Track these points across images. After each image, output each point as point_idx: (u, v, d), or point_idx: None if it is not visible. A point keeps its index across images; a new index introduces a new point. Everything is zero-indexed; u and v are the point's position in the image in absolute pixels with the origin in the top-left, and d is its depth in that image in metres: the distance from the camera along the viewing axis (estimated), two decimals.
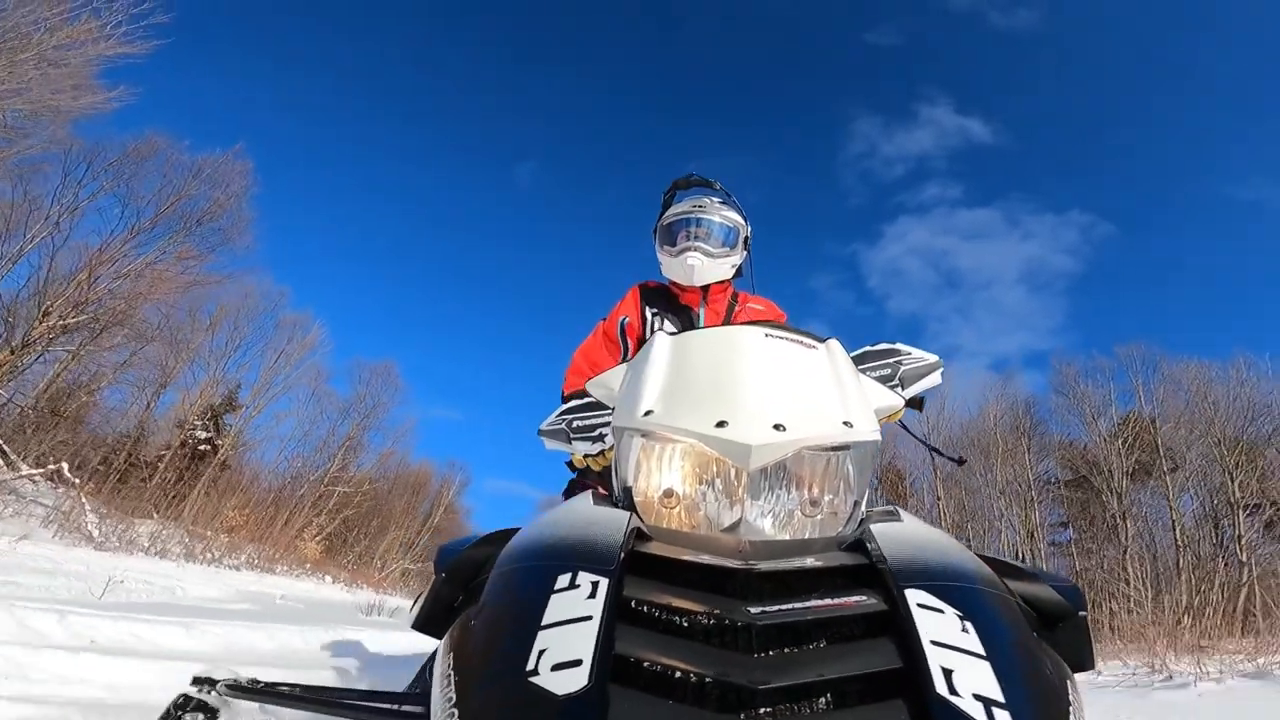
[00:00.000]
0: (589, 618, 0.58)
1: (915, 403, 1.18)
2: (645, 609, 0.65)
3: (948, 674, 0.55)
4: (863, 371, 1.06)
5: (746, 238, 2.11)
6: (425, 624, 0.77)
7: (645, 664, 0.58)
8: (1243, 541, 16.90)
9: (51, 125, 12.97)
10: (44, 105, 12.60)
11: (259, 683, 1.38)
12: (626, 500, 0.85)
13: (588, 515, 0.80)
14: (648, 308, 2.12)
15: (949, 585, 0.67)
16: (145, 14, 13.50)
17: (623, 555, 0.68)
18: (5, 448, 13.76)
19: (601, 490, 1.35)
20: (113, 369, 16.39)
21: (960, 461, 1.14)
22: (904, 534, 0.78)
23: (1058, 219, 45.19)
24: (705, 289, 2.07)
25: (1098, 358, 22.90)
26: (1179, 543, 18.24)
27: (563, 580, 0.64)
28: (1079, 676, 0.72)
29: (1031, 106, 51.69)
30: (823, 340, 1.02)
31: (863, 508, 0.84)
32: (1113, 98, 48.47)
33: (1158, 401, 20.88)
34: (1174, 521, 18.87)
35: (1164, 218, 43.51)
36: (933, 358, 1.16)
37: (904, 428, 1.37)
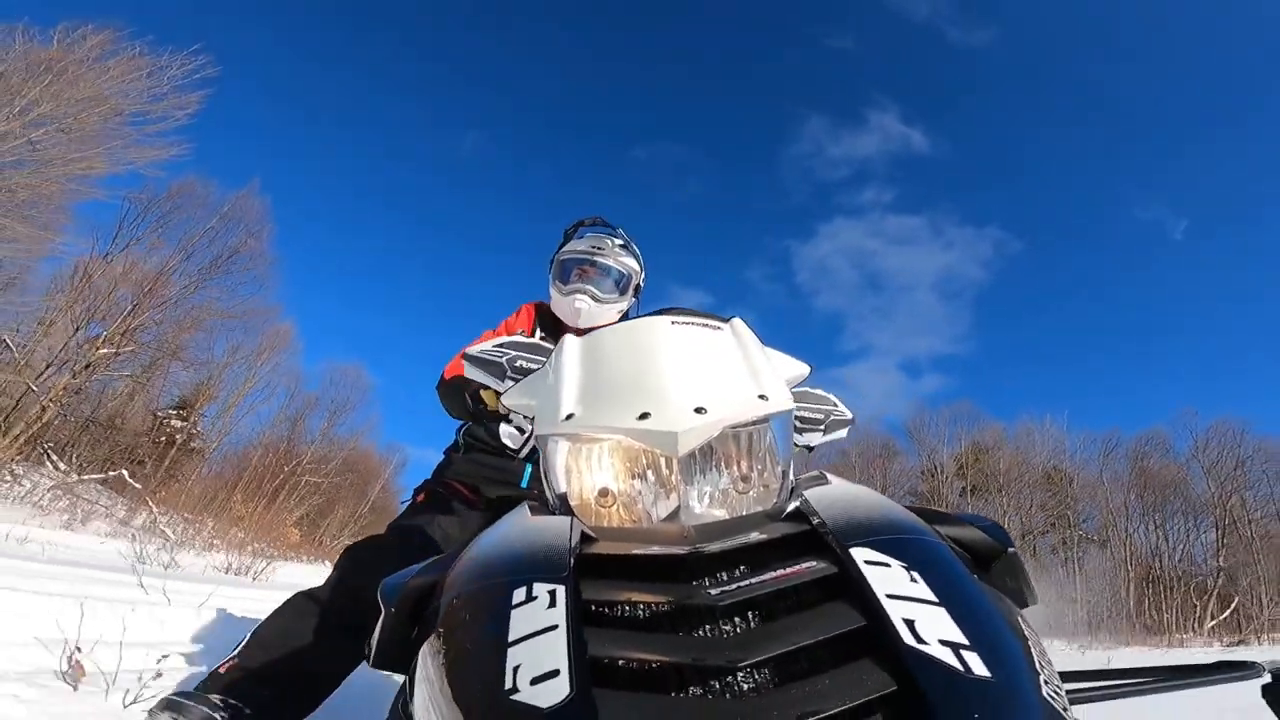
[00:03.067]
0: (555, 627, 0.59)
1: (811, 447, 1.21)
2: (606, 609, 0.66)
3: (910, 624, 0.57)
4: (801, 409, 1.12)
5: (639, 285, 2.15)
6: (384, 660, 0.78)
7: (620, 663, 0.59)
8: None
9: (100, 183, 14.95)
10: (121, 163, 14.74)
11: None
12: (563, 507, 0.85)
13: (528, 527, 0.81)
14: (539, 331, 2.12)
15: (889, 539, 0.69)
16: (198, 69, 15.71)
17: (573, 560, 0.69)
18: (53, 456, 15.85)
19: (465, 491, 1.75)
20: (131, 381, 18.45)
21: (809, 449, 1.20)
22: (836, 495, 0.81)
23: (977, 232, 49.19)
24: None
25: (942, 408, 31.12)
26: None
27: (519, 594, 0.64)
28: (1026, 612, 0.74)
29: (970, 122, 54.16)
30: (726, 320, 1.06)
31: (791, 476, 0.86)
32: (1042, 122, 51.70)
33: (975, 447, 28.28)
34: None
35: (1070, 236, 48.69)
36: (850, 414, 1.21)
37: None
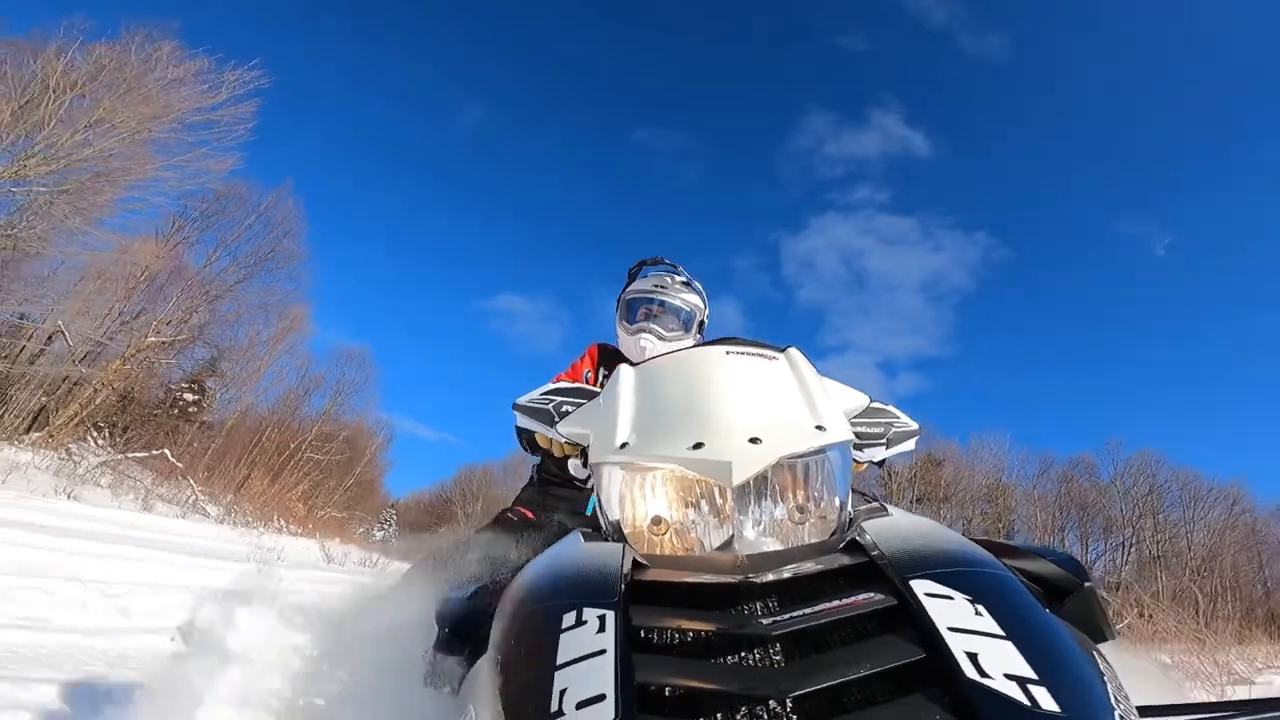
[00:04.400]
0: (602, 651, 0.59)
1: (880, 462, 1.20)
2: (656, 635, 0.66)
3: (973, 657, 0.55)
4: (858, 425, 1.08)
5: (702, 322, 2.21)
6: (437, 679, 0.80)
7: (668, 690, 0.59)
8: None
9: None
10: (185, 176, 15.72)
11: None
12: (616, 533, 0.85)
13: (581, 552, 0.81)
14: (603, 369, 2.18)
15: (952, 571, 0.67)
16: (253, 80, 16.63)
17: (624, 586, 0.69)
18: (94, 432, 16.99)
19: (544, 509, 1.78)
20: (162, 363, 19.57)
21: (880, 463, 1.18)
22: (896, 527, 0.78)
23: (966, 237, 49.93)
24: None
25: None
26: None
27: (568, 619, 0.65)
28: (1104, 647, 0.70)
29: (972, 128, 54.96)
30: (782, 350, 1.05)
31: (849, 507, 0.85)
32: (1040, 132, 52.11)
33: (929, 459, 31.30)
34: None
35: (1055, 247, 49.03)
36: (914, 425, 1.17)
37: None
